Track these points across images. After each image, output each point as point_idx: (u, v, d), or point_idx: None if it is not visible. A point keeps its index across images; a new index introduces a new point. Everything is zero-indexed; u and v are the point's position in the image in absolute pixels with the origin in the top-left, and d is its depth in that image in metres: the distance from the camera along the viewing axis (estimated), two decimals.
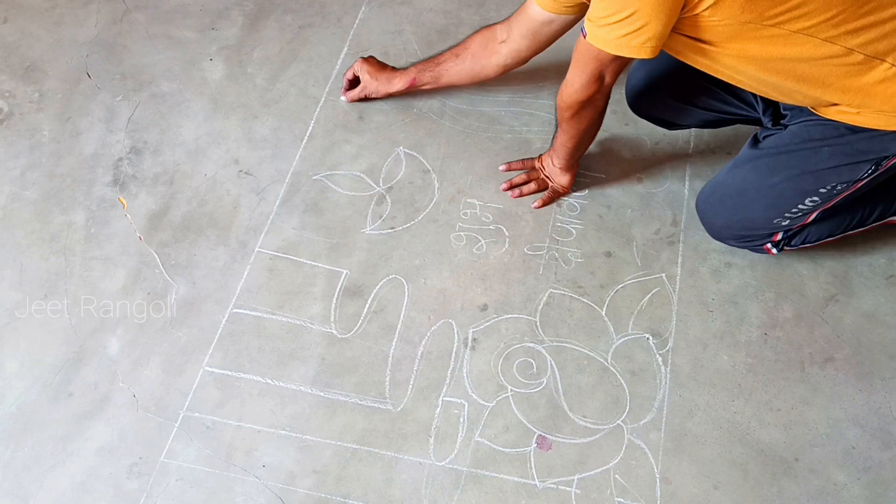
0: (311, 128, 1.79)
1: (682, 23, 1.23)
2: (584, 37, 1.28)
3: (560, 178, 1.64)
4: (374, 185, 1.69)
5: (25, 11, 2.03)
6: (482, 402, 1.41)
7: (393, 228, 1.62)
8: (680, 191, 1.66)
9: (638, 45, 1.23)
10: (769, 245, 1.51)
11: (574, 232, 1.61)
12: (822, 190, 1.38)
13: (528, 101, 1.80)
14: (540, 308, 1.51)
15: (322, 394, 1.42)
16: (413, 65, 1.75)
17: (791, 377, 1.43)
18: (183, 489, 1.33)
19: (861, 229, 1.52)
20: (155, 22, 2.00)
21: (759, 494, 1.31)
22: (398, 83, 1.75)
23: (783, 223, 1.45)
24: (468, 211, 1.65)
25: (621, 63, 1.31)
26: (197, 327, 1.50)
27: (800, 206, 1.41)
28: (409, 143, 1.75)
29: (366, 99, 1.80)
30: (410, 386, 1.43)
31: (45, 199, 1.69)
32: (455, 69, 1.67)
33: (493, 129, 1.77)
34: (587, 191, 1.67)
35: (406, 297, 1.53)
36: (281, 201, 1.67)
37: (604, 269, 1.56)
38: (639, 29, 1.21)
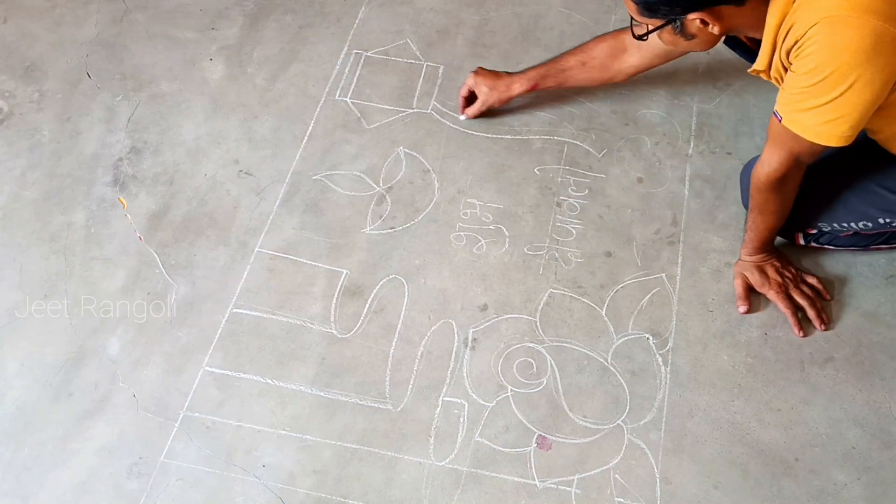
0: (311, 128, 1.79)
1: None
2: (780, 121, 1.25)
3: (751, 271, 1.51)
4: (374, 185, 1.69)
5: (25, 11, 2.03)
6: (482, 402, 1.41)
7: (393, 228, 1.62)
8: (680, 191, 1.66)
9: (838, 135, 1.20)
10: (800, 234, 1.51)
11: (574, 232, 1.61)
12: (882, 220, 1.41)
13: (528, 101, 1.80)
14: (540, 308, 1.51)
15: (322, 394, 1.42)
16: (532, 68, 1.70)
17: (791, 377, 1.42)
18: (183, 489, 1.33)
19: (886, 246, 1.53)
20: (155, 22, 2.00)
21: (759, 494, 1.31)
22: (518, 87, 1.70)
23: (825, 227, 1.47)
24: (468, 211, 1.65)
25: (823, 147, 1.25)
26: (197, 327, 1.50)
27: (850, 224, 1.44)
28: (409, 143, 1.75)
29: (485, 114, 1.76)
30: (410, 386, 1.43)
31: (45, 199, 1.69)
32: (581, 76, 1.67)
33: (493, 129, 1.77)
34: (587, 191, 1.67)
35: (406, 297, 1.53)
36: (281, 201, 1.67)
37: (604, 269, 1.56)
38: (840, 117, 1.17)
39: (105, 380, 1.44)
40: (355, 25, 1.97)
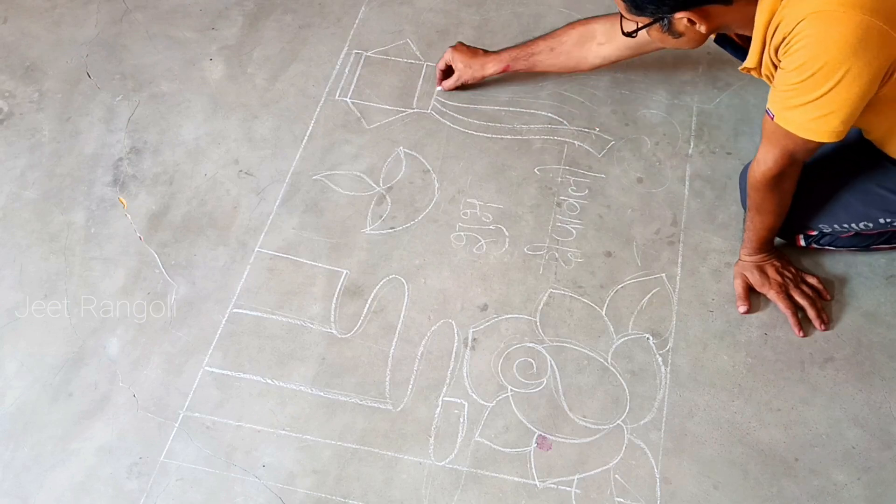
0: (311, 128, 1.79)
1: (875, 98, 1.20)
2: (772, 118, 1.25)
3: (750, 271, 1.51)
4: (374, 185, 1.69)
5: (25, 11, 2.03)
6: (482, 402, 1.41)
7: (393, 228, 1.62)
8: (680, 191, 1.66)
9: (829, 131, 1.20)
10: (801, 236, 1.51)
11: (574, 232, 1.61)
12: (882, 220, 1.42)
13: (528, 101, 1.80)
14: (540, 308, 1.51)
15: (322, 394, 1.42)
16: (505, 49, 1.75)
17: (791, 377, 1.42)
18: (183, 489, 1.33)
19: (887, 246, 1.53)
20: (155, 22, 2.00)
21: (759, 494, 1.31)
22: (492, 67, 1.75)
23: (826, 229, 1.47)
24: (468, 211, 1.65)
25: (817, 144, 1.26)
26: (197, 327, 1.50)
27: (851, 225, 1.44)
28: (409, 143, 1.75)
29: (462, 87, 1.80)
30: (410, 386, 1.43)
31: (45, 199, 1.69)
32: (549, 61, 1.70)
33: (493, 129, 1.77)
34: (587, 191, 1.67)
35: (406, 297, 1.53)
36: (281, 201, 1.67)
37: (604, 269, 1.56)
38: (831, 112, 1.18)
39: (105, 380, 1.44)
40: (355, 25, 1.97)
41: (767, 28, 1.20)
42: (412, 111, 1.80)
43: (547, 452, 1.35)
